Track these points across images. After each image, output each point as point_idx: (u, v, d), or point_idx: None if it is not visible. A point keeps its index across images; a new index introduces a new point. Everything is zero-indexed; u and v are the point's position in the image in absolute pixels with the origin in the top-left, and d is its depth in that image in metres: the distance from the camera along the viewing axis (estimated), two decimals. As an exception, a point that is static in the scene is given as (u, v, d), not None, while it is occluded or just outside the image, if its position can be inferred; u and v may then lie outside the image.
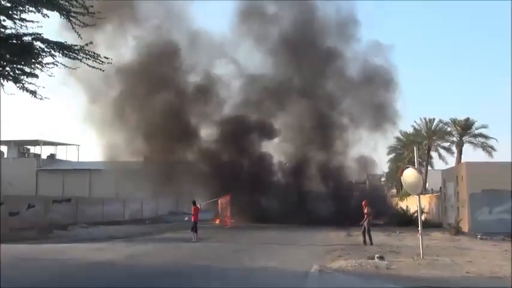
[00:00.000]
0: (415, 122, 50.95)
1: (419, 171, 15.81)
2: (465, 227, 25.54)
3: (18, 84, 12.61)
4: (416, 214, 33.34)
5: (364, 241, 20.12)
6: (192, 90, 41.02)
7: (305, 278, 11.68)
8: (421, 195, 16.51)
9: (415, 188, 15.48)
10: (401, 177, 15.58)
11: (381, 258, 14.51)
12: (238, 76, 42.90)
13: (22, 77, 12.53)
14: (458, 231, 25.09)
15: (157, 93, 39.33)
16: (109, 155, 41.83)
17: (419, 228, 15.44)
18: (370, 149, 43.33)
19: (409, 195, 34.01)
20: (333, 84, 41.56)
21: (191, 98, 40.84)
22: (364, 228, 20.45)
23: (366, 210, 20.76)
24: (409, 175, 15.21)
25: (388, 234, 25.70)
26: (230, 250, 18.39)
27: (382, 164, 61.31)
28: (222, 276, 12.36)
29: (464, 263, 13.85)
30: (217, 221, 36.45)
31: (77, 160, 58.19)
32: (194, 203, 23.48)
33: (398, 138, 53.90)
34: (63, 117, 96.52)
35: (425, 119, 49.25)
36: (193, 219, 22.46)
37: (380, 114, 41.20)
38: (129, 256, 16.33)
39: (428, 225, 29.17)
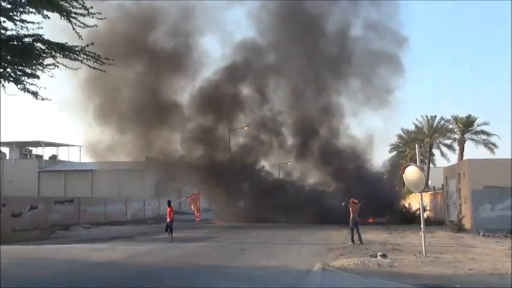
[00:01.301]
0: (417, 119, 50.82)
1: (421, 169, 15.76)
2: (467, 224, 25.49)
3: (19, 86, 12.61)
4: (418, 212, 33.47)
5: (359, 240, 19.46)
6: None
7: (307, 276, 11.69)
8: (423, 193, 16.48)
9: (417, 186, 15.44)
10: (403, 175, 15.56)
11: (384, 256, 14.49)
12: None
13: (23, 78, 12.54)
14: (460, 228, 25.08)
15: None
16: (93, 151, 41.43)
17: (421, 225, 15.43)
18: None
19: (412, 192, 34.05)
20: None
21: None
22: (352, 227, 19.82)
23: (351, 208, 20.04)
24: (411, 173, 15.18)
25: (390, 232, 25.69)
26: (233, 249, 18.41)
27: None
28: (224, 275, 12.38)
29: (467, 260, 13.83)
30: (218, 223, 36.66)
31: (78, 161, 58.31)
32: (169, 204, 23.07)
33: (399, 136, 53.88)
34: (64, 117, 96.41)
35: (426, 116, 49.18)
36: (168, 219, 22.32)
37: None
38: (132, 256, 16.35)
39: (431, 222, 29.16)
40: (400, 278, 11.19)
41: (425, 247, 14.99)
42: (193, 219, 29.50)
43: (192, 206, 28.87)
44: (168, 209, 22.67)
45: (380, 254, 14.79)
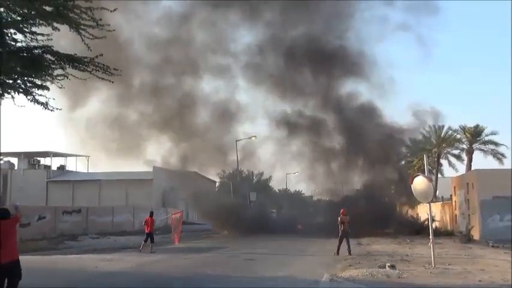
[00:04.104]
0: (424, 129, 50.41)
1: (430, 179, 15.69)
2: (476, 234, 25.32)
3: (29, 97, 12.72)
4: (426, 222, 33.24)
5: (348, 251, 19.18)
6: None
7: (316, 287, 11.64)
8: (431, 203, 16.39)
9: (426, 196, 15.37)
10: (412, 185, 15.49)
11: (392, 267, 14.40)
12: None
13: (33, 89, 12.65)
14: (469, 239, 24.87)
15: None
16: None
17: (430, 236, 15.33)
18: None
19: (420, 203, 33.86)
20: None
21: None
22: (340, 238, 19.61)
23: (339, 220, 19.82)
24: (419, 183, 15.12)
25: (398, 242, 25.52)
26: (240, 259, 18.38)
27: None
28: (233, 285, 12.36)
29: (477, 271, 13.71)
30: (226, 233, 36.57)
31: (86, 171, 58.51)
32: (151, 215, 22.82)
33: (407, 146, 53.57)
34: (72, 128, 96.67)
35: (434, 126, 48.87)
36: (146, 230, 22.07)
37: None
38: (141, 266, 16.37)
39: (439, 233, 28.96)
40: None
41: (434, 258, 14.88)
42: (201, 229, 29.28)
43: (173, 227, 27.27)
44: (150, 219, 22.24)
45: (388, 264, 14.70)
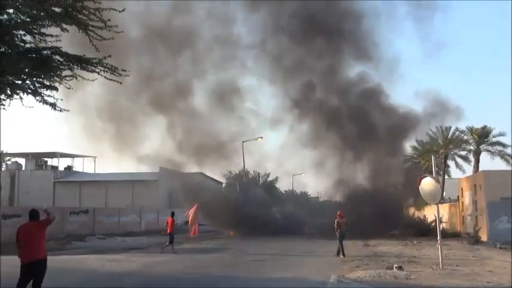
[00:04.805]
0: (431, 130, 50.13)
1: (437, 180, 15.64)
2: (484, 236, 25.20)
3: (37, 97, 12.79)
4: (433, 224, 33.12)
5: (342, 253, 19.25)
6: None
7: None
8: (439, 205, 16.34)
9: (434, 197, 15.33)
10: (419, 187, 15.43)
11: (400, 268, 14.37)
12: None
13: (41, 90, 12.72)
14: (477, 240, 24.75)
15: None
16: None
17: (438, 237, 15.28)
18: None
19: (427, 204, 33.75)
20: None
21: None
22: (340, 239, 19.62)
23: (336, 221, 19.86)
24: (427, 184, 15.08)
25: (405, 244, 25.43)
26: (248, 260, 18.41)
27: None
28: (241, 285, 12.38)
29: (485, 273, 13.66)
30: (231, 233, 36.62)
31: (93, 172, 58.74)
32: (173, 215, 22.96)
33: (414, 147, 53.37)
34: (79, 129, 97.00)
35: (441, 127, 48.61)
36: (168, 231, 22.25)
37: None
38: (148, 266, 16.44)
39: (446, 234, 28.82)
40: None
41: (442, 259, 14.83)
42: (206, 229, 29.27)
43: (190, 220, 27.54)
44: (171, 220, 22.44)
45: (396, 266, 14.68)
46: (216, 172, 52.90)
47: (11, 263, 15.16)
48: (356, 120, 38.67)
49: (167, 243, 22.04)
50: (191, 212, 27.65)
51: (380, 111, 39.44)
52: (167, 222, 22.60)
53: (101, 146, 42.73)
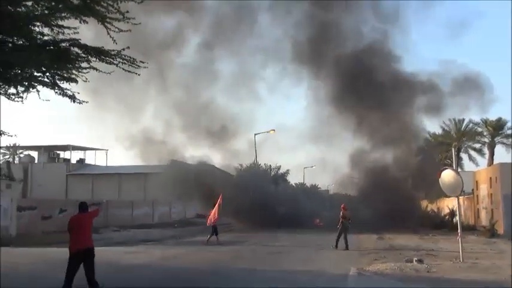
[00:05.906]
0: (444, 122, 49.64)
1: (458, 173, 15.48)
2: (500, 229, 24.99)
3: (57, 90, 12.76)
4: (447, 217, 32.94)
5: (346, 246, 19.16)
6: None
7: (345, 280, 11.56)
8: (459, 197, 16.22)
9: (454, 189, 15.16)
10: (440, 179, 15.27)
11: (420, 261, 14.27)
12: None
13: (61, 82, 12.69)
14: (493, 233, 24.55)
15: None
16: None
17: (458, 230, 15.17)
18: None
19: (441, 197, 33.54)
20: None
21: None
22: (340, 232, 19.64)
23: (341, 214, 19.89)
24: (448, 176, 14.94)
25: (420, 237, 25.26)
26: (266, 252, 18.41)
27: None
28: (261, 277, 12.35)
29: (506, 266, 13.49)
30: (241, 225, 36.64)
31: (105, 164, 59.01)
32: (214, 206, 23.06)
33: (426, 140, 52.93)
34: (93, 121, 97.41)
35: (454, 119, 48.14)
36: (212, 223, 22.33)
37: None
38: (166, 258, 16.50)
39: (461, 227, 28.58)
40: (442, 283, 10.98)
41: (462, 252, 14.70)
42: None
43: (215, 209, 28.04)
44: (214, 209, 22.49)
45: (416, 259, 14.57)
46: (228, 165, 52.96)
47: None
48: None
49: (213, 234, 22.02)
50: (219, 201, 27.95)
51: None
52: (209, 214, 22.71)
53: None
